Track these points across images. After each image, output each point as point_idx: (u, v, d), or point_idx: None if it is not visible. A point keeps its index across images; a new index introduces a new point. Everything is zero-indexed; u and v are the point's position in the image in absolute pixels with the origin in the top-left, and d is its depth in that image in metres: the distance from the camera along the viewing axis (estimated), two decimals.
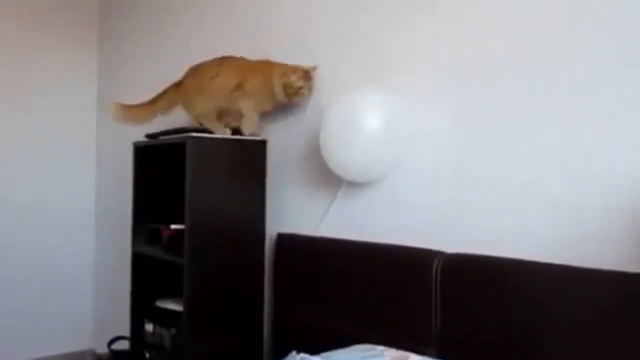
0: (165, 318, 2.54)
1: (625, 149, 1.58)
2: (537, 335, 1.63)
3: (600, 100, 1.63)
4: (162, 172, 2.71)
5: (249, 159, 2.48)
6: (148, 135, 2.65)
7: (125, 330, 2.76)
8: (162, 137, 2.55)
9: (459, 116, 1.97)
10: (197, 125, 2.50)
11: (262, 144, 2.50)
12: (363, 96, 2.11)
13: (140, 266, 2.71)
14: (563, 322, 1.58)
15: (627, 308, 1.48)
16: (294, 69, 2.37)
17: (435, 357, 1.77)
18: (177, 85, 2.65)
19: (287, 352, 1.72)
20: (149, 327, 2.63)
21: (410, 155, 2.08)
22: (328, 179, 2.38)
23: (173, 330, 2.48)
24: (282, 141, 2.58)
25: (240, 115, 2.48)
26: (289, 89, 2.37)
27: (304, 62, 2.42)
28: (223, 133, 2.46)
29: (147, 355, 2.61)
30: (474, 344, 1.78)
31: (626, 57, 1.58)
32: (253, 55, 2.52)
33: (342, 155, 2.10)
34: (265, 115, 2.58)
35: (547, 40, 1.75)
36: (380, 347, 1.79)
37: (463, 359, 1.68)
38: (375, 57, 2.24)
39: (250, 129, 2.47)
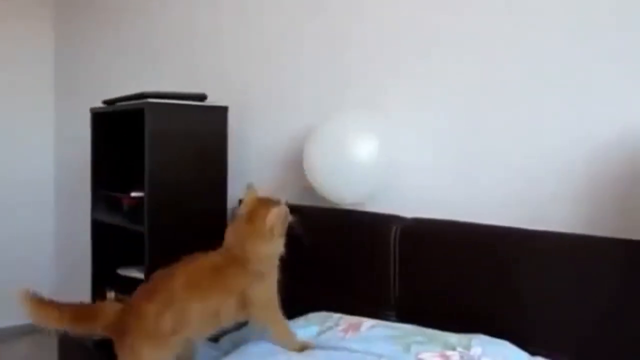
0: (127, 285, 2.53)
1: (582, 123, 1.63)
2: (495, 297, 1.68)
3: (560, 78, 1.67)
4: (121, 138, 2.67)
5: (210, 125, 2.45)
6: (105, 102, 2.60)
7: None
8: (119, 104, 2.50)
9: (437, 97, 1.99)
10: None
11: (224, 110, 2.48)
12: (353, 120, 2.02)
13: (101, 234, 2.69)
14: (521, 284, 1.63)
15: (579, 268, 1.54)
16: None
17: (394, 321, 1.81)
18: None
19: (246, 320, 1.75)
20: (110, 294, 2.62)
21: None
22: (291, 144, 2.39)
23: None
24: (244, 107, 2.57)
25: None
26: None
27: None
28: None
29: None
30: (433, 307, 1.82)
31: (582, 36, 1.62)
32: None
33: (330, 181, 1.98)
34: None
35: (514, 31, 1.77)
36: (336, 315, 1.82)
37: (422, 322, 1.72)
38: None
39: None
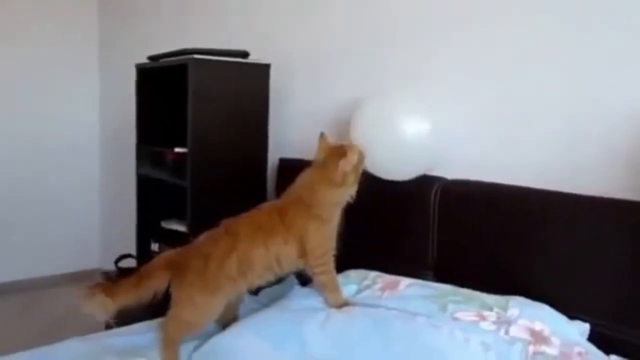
0: (170, 238, 2.60)
1: (622, 88, 1.59)
2: (534, 260, 1.66)
3: (600, 43, 1.62)
4: (166, 94, 2.70)
5: (252, 83, 2.46)
6: (150, 58, 2.62)
7: (132, 249, 2.83)
8: (163, 60, 2.52)
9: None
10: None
11: (266, 67, 2.47)
12: (401, 96, 2.00)
13: (145, 188, 2.75)
14: (560, 247, 1.61)
15: (616, 232, 1.52)
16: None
17: (431, 281, 1.82)
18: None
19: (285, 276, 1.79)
20: (154, 246, 2.69)
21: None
22: (330, 104, 2.38)
23: None
24: (285, 67, 2.56)
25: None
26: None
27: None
28: None
29: None
30: (471, 268, 1.82)
31: None
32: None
33: (380, 160, 1.91)
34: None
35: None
36: (373, 273, 1.83)
37: (459, 283, 1.72)
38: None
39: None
